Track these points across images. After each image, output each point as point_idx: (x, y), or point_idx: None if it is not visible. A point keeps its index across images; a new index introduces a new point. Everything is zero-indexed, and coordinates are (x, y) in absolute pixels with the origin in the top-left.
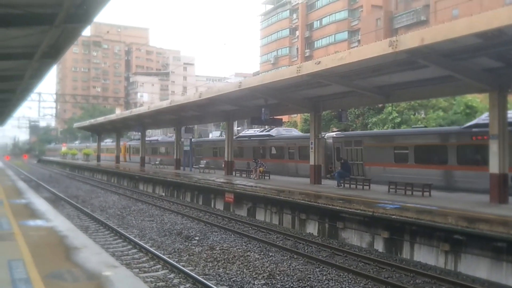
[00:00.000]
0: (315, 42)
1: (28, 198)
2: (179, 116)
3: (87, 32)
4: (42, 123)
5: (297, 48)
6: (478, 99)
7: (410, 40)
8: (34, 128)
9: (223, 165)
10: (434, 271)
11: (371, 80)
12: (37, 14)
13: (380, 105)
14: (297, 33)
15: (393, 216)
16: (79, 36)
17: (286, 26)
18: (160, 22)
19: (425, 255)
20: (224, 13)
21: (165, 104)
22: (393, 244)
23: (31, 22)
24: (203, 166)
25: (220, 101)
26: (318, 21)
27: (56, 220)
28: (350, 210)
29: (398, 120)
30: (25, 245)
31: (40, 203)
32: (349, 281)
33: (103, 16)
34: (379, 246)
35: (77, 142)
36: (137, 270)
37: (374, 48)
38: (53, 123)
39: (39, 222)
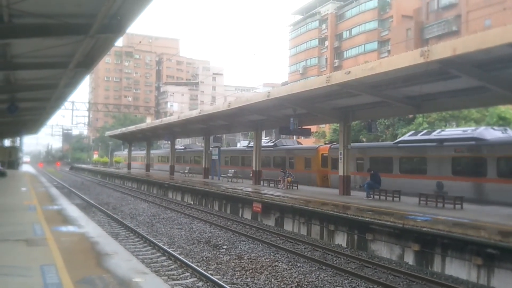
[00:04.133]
0: (344, 52)
1: (60, 205)
2: (207, 126)
3: (119, 42)
4: (75, 131)
5: (326, 58)
6: None
7: (442, 50)
8: (67, 136)
9: (250, 175)
10: (466, 286)
11: (401, 90)
12: (72, 24)
13: (410, 116)
14: (326, 43)
15: (424, 229)
16: (112, 46)
17: (315, 36)
18: (190, 33)
19: (457, 269)
20: (253, 24)
21: (194, 113)
22: (424, 257)
23: (66, 32)
24: (231, 175)
25: (249, 111)
26: (348, 31)
27: (88, 227)
28: (379, 221)
29: None
30: (57, 251)
31: (72, 210)
32: None
33: (135, 27)
34: (409, 259)
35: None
36: (166, 277)
37: (405, 58)
38: (85, 132)
39: (71, 228)
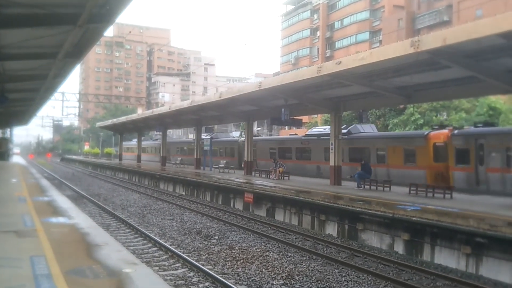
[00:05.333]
0: (336, 43)
1: (50, 196)
2: (199, 116)
3: (109, 32)
4: (66, 122)
5: (318, 49)
6: (502, 101)
7: (433, 40)
8: (57, 127)
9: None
10: (455, 274)
11: (392, 80)
12: (61, 14)
13: (401, 106)
14: (318, 33)
15: (413, 218)
16: (101, 36)
17: (307, 26)
18: (182, 23)
19: (446, 258)
20: (244, 14)
21: (185, 104)
22: (414, 246)
23: (55, 22)
24: (222, 166)
25: (240, 101)
26: (339, 22)
27: (78, 218)
28: (370, 211)
29: (421, 121)
30: (47, 242)
31: (62, 201)
32: (369, 282)
33: (125, 17)
34: (399, 248)
35: (135, 140)
36: (157, 268)
37: (396, 48)
38: (76, 122)
39: (61, 219)
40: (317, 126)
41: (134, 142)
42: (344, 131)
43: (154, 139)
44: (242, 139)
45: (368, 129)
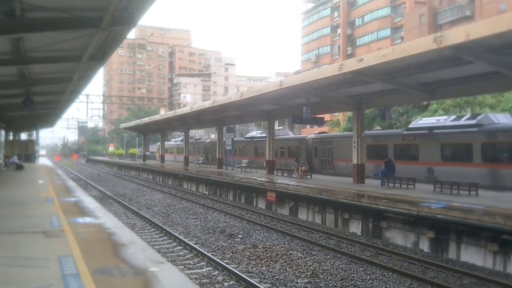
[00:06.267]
0: (357, 40)
1: (77, 196)
2: (221, 116)
3: (132, 35)
4: (90, 124)
5: (339, 46)
6: None
7: (455, 35)
8: (82, 129)
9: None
10: (482, 272)
11: (415, 77)
12: (84, 18)
13: (424, 103)
14: (339, 31)
15: (438, 216)
16: (124, 39)
17: (327, 24)
18: (202, 24)
19: (472, 255)
20: (264, 13)
21: (207, 104)
22: (439, 244)
23: (78, 26)
24: (244, 165)
25: (261, 100)
26: (360, 19)
27: (104, 218)
28: (394, 209)
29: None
30: (74, 242)
31: (88, 201)
32: (394, 281)
33: (147, 19)
34: (424, 246)
35: (179, 140)
36: (182, 266)
37: (418, 44)
38: (100, 124)
39: (87, 220)
40: (340, 124)
41: (173, 142)
42: (472, 121)
43: (197, 139)
44: (312, 136)
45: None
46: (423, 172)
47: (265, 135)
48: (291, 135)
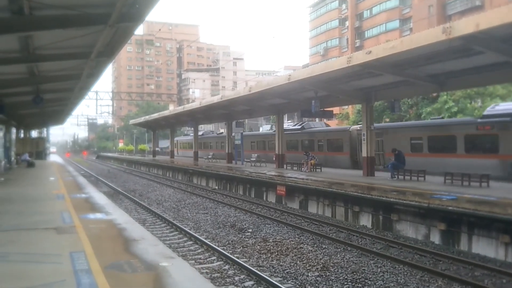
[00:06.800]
0: (366, 32)
1: (88, 193)
2: (229, 111)
3: (139, 31)
4: (100, 121)
5: (347, 39)
6: None
7: (465, 26)
8: (92, 126)
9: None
10: (494, 264)
11: (424, 68)
12: (92, 15)
13: (434, 94)
14: (347, 23)
15: (449, 208)
16: (132, 35)
17: (335, 17)
18: (210, 18)
19: (484, 247)
20: (272, 6)
21: (216, 99)
22: (450, 236)
23: (86, 23)
24: (254, 159)
25: (270, 94)
26: (368, 11)
27: (115, 214)
28: (404, 201)
29: (455, 109)
30: (86, 238)
31: (99, 197)
32: (405, 273)
33: (154, 15)
34: (435, 238)
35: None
36: (193, 261)
37: (427, 35)
38: (110, 121)
39: (98, 216)
40: (349, 117)
41: (190, 137)
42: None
43: (219, 133)
44: (356, 127)
45: None
46: (504, 167)
47: (299, 127)
48: (329, 126)
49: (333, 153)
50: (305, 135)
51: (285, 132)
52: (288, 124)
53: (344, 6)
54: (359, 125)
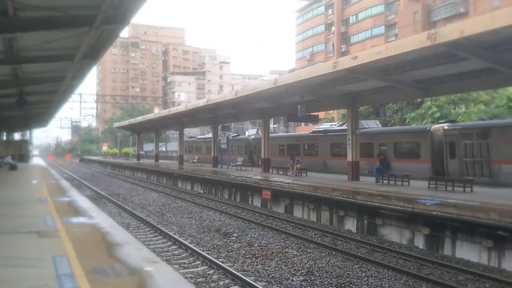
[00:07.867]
0: (351, 37)
1: (71, 196)
2: (215, 115)
3: (125, 33)
4: (84, 124)
5: (333, 44)
6: None
7: (449, 32)
8: (75, 128)
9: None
10: (477, 268)
11: (409, 74)
12: (77, 16)
13: (418, 100)
14: (333, 28)
15: (433, 212)
16: (117, 37)
17: (322, 22)
18: (196, 22)
19: (468, 252)
20: (259, 11)
21: (201, 103)
22: (434, 240)
23: (71, 24)
24: (239, 163)
25: (256, 98)
26: (354, 16)
27: (98, 217)
28: (389, 206)
29: (438, 114)
30: (68, 242)
31: (82, 201)
32: (389, 277)
33: (140, 18)
34: (420, 242)
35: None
36: (177, 266)
37: (412, 41)
38: (94, 123)
39: (81, 219)
40: (334, 122)
41: (195, 139)
42: None
43: (235, 135)
44: (443, 127)
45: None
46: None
47: (345, 127)
48: (400, 127)
49: (403, 161)
50: (359, 137)
51: (328, 134)
52: (331, 124)
53: (330, 11)
54: (446, 124)
